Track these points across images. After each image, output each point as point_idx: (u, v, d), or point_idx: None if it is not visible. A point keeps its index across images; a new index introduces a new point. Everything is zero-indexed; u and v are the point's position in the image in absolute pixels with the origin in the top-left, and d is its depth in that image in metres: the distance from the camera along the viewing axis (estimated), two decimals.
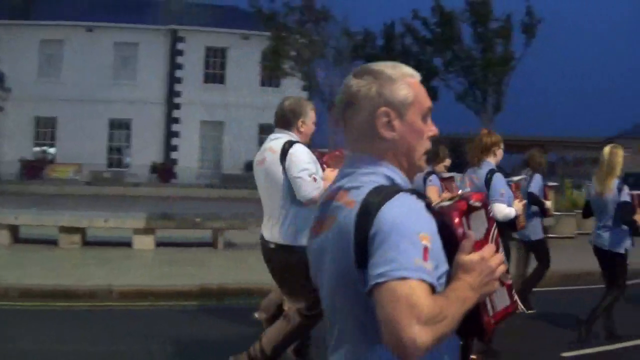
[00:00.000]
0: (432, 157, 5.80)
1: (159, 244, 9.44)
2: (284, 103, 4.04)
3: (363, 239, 1.26)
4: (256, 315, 4.86)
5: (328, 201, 1.42)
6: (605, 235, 5.42)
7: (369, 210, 1.27)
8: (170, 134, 31.31)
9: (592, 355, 5.12)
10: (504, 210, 4.67)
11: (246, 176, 30.27)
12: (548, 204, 6.48)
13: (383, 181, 1.36)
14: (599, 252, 5.51)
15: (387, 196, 1.28)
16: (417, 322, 1.17)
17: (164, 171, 29.93)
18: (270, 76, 26.70)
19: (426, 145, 1.45)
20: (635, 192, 5.45)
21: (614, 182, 5.38)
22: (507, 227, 4.85)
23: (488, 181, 4.81)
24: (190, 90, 30.91)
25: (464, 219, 1.39)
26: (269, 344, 3.87)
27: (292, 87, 29.30)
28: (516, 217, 4.87)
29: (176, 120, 31.24)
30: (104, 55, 30.03)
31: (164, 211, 10.84)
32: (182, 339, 5.30)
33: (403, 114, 1.40)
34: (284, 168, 3.74)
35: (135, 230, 9.37)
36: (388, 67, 1.43)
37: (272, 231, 3.86)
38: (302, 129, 3.96)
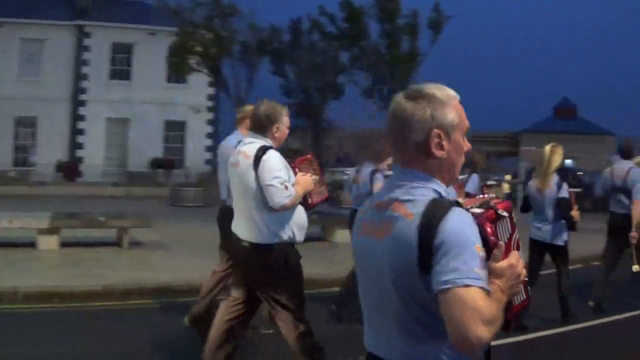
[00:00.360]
0: (377, 155, 6.24)
1: (64, 244, 9.37)
2: (259, 108, 4.06)
3: (427, 249, 1.45)
4: (185, 320, 5.24)
5: (382, 209, 1.61)
6: (546, 228, 5.93)
7: (431, 223, 1.46)
8: (75, 132, 30.44)
9: (517, 343, 5.28)
10: None
11: (152, 174, 29.95)
12: (576, 214, 5.97)
13: (433, 195, 1.56)
14: (539, 244, 6.01)
15: (445, 210, 1.47)
16: (481, 323, 1.39)
17: (69, 169, 29.07)
18: (177, 72, 26.46)
19: (462, 160, 1.67)
20: (572, 190, 6.04)
21: (554, 179, 5.89)
22: None
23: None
24: (96, 87, 30.15)
25: (493, 227, 1.56)
26: (297, 344, 3.86)
27: (198, 84, 29.25)
28: None
29: (81, 118, 30.37)
30: (10, 52, 28.89)
31: (68, 210, 10.71)
32: (87, 341, 5.34)
33: (450, 134, 1.60)
34: (256, 174, 3.79)
35: (39, 230, 9.27)
36: (437, 90, 1.62)
37: (247, 231, 3.89)
38: (276, 135, 4.01)
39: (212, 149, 29.62)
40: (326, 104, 24.89)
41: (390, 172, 5.97)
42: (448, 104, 1.61)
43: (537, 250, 6.09)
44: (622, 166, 6.84)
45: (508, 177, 37.05)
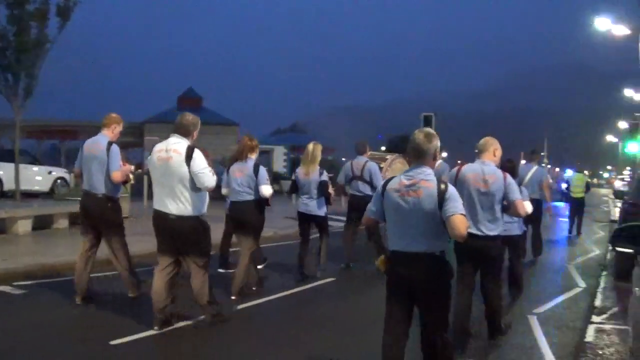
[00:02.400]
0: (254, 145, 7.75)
1: None
2: (186, 117, 5.96)
3: (442, 198, 3.88)
4: (77, 300, 6.79)
5: (412, 184, 3.98)
6: (312, 203, 8.51)
7: (443, 189, 3.91)
8: None
9: (143, 339, 5.64)
10: (269, 190, 7.41)
11: None
12: (332, 192, 8.91)
13: (433, 176, 4.02)
14: (305, 215, 8.60)
15: (445, 183, 3.97)
16: (466, 227, 3.90)
17: None
18: None
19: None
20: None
21: (317, 168, 8.47)
22: None
23: (256, 171, 7.40)
24: None
25: None
26: (203, 297, 5.97)
27: None
28: None
29: None
30: None
31: None
32: None
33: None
34: (188, 166, 5.66)
35: None
36: (431, 130, 4.16)
37: (175, 206, 5.72)
38: (195, 137, 5.98)
39: None
40: None
41: None
42: (437, 137, 4.20)
43: (305, 220, 8.66)
44: (359, 160, 9.77)
45: (132, 167, 38.79)
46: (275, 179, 40.41)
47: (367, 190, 9.55)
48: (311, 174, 8.47)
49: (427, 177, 3.98)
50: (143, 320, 6.17)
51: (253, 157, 7.61)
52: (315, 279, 8.77)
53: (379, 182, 8.88)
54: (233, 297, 7.32)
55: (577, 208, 16.86)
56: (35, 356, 5.26)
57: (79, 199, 7.16)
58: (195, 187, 5.75)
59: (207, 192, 5.95)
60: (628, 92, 39.67)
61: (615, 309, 7.57)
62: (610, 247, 4.73)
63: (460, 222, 3.80)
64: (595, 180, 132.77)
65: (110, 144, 6.87)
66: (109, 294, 7.43)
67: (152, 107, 57.30)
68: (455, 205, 3.87)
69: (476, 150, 5.85)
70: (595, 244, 14.81)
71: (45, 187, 20.77)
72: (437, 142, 4.13)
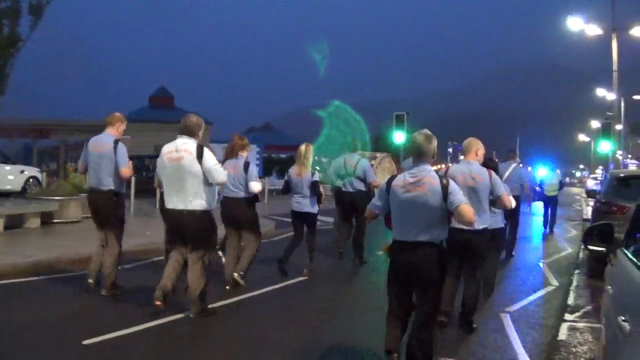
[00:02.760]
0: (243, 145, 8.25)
1: None
2: (190, 118, 6.46)
3: (445, 192, 4.45)
4: (90, 281, 7.36)
5: (417, 181, 4.52)
6: (304, 202, 8.97)
7: (446, 183, 4.50)
8: None
9: (112, 339, 5.59)
10: (258, 186, 7.92)
11: None
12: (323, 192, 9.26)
13: (434, 173, 4.58)
14: (298, 213, 9.06)
15: (447, 179, 4.58)
16: (473, 214, 4.55)
17: None
18: None
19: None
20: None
21: (309, 168, 8.94)
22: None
23: (246, 168, 7.86)
24: None
25: None
26: (196, 289, 6.36)
27: None
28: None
29: None
30: None
31: None
32: None
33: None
34: (200, 163, 6.21)
35: None
36: (430, 132, 4.75)
37: (186, 202, 6.25)
38: (200, 137, 6.45)
39: None
40: None
41: None
42: (435, 138, 4.76)
43: (298, 218, 9.14)
44: (352, 158, 10.34)
45: None
46: None
47: (360, 186, 10.15)
48: (303, 174, 8.95)
49: (429, 174, 4.57)
50: (128, 315, 6.37)
51: (244, 155, 8.11)
52: (300, 274, 9.12)
53: (372, 179, 10.06)
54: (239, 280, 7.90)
55: (551, 206, 17.26)
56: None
57: (55, 197, 7.49)
58: (206, 183, 6.31)
59: (217, 188, 6.59)
60: (600, 92, 40.36)
61: (588, 307, 7.68)
62: (583, 246, 4.78)
63: (467, 210, 4.49)
64: (567, 179, 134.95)
65: (116, 142, 7.40)
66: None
67: (123, 106, 56.81)
68: (459, 197, 4.51)
69: (452, 151, 6.27)
70: (568, 242, 15.02)
71: (17, 187, 20.60)
72: (435, 143, 4.70)
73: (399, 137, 23.48)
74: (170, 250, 6.85)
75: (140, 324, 6.09)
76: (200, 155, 6.23)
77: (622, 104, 45.75)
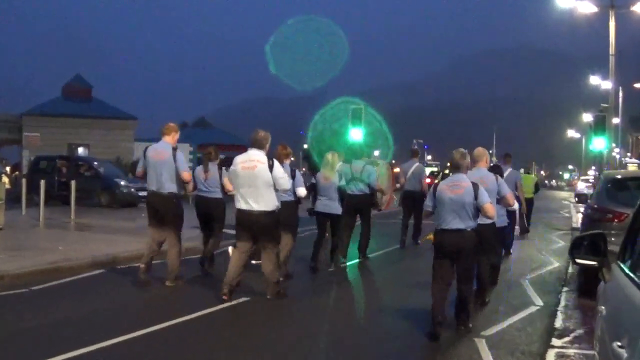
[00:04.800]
0: (213, 154, 10.98)
1: None
2: (259, 134, 8.92)
3: (475, 194, 7.32)
4: (141, 276, 9.71)
5: (455, 185, 7.44)
6: (331, 204, 11.52)
7: (476, 187, 7.40)
8: None
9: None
10: (303, 191, 10.38)
11: None
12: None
13: (467, 179, 7.57)
14: (324, 214, 11.61)
15: (477, 184, 7.49)
16: (494, 211, 7.70)
17: None
18: None
19: None
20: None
21: (336, 173, 11.50)
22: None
23: (293, 175, 10.06)
24: None
25: None
26: (272, 275, 8.96)
27: None
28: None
29: None
30: None
31: None
32: None
33: None
34: (271, 172, 8.62)
35: None
36: (464, 151, 7.86)
37: (259, 204, 8.66)
38: (267, 149, 8.97)
39: None
40: None
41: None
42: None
43: (324, 218, 11.72)
44: (357, 164, 12.84)
45: (8, 168, 37.19)
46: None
47: (365, 190, 12.68)
48: (331, 179, 11.50)
49: (464, 180, 7.56)
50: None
51: (287, 162, 10.40)
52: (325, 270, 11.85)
53: (374, 183, 12.74)
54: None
55: (528, 208, 18.60)
56: None
57: None
58: (274, 188, 8.74)
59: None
60: (594, 80, 40.80)
61: (578, 331, 7.77)
62: (570, 259, 4.76)
63: (490, 208, 7.56)
64: (553, 182, 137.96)
65: (174, 149, 9.67)
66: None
67: (33, 97, 55.77)
68: (485, 197, 7.49)
69: (455, 161, 7.92)
70: (554, 255, 15.22)
71: None
72: (468, 159, 7.84)
73: (356, 134, 23.55)
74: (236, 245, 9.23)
75: (204, 309, 8.34)
76: (271, 167, 8.69)
77: (620, 94, 46.43)
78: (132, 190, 26.48)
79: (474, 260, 7.75)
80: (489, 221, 8.14)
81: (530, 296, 10.01)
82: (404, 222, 15.78)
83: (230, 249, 10.34)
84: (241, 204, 8.75)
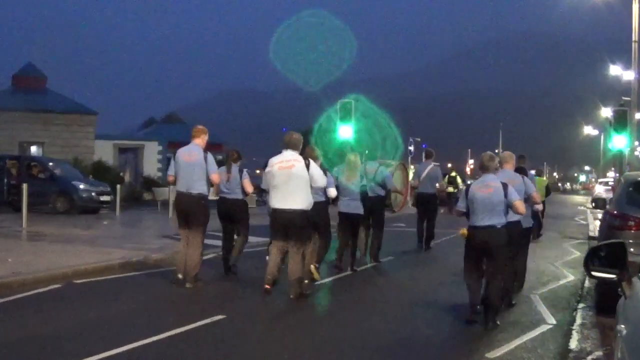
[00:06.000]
0: (236, 156, 12.47)
1: None
2: (293, 136, 10.47)
3: (505, 192, 8.86)
4: (179, 276, 11.11)
5: (485, 185, 9.00)
6: (354, 204, 13.22)
7: (505, 186, 8.95)
8: None
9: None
10: (334, 192, 12.04)
11: None
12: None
13: (497, 179, 9.15)
14: (348, 214, 13.30)
15: (506, 184, 9.06)
16: (524, 207, 9.33)
17: None
18: None
19: None
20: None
21: (358, 174, 13.30)
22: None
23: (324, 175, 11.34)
24: None
25: None
26: (296, 275, 10.19)
27: None
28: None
29: None
30: None
31: None
32: None
33: None
34: (308, 171, 10.09)
35: None
36: (492, 154, 9.62)
37: (293, 203, 10.04)
38: (300, 148, 10.50)
39: None
40: None
41: None
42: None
43: (346, 219, 13.40)
44: (371, 165, 14.50)
45: None
46: (146, 185, 39.65)
47: (379, 191, 14.40)
48: (353, 180, 13.16)
49: (494, 181, 9.04)
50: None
51: (317, 164, 11.27)
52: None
53: (392, 185, 14.62)
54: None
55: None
56: None
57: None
58: (310, 187, 10.24)
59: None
60: (614, 70, 40.64)
61: (596, 354, 7.80)
62: (585, 272, 4.77)
63: (521, 205, 9.08)
64: (568, 185, 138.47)
65: (205, 152, 11.12)
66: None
67: None
68: (515, 195, 9.00)
69: (482, 164, 9.47)
70: (568, 267, 15.27)
71: None
72: (496, 161, 9.57)
73: (345, 131, 23.55)
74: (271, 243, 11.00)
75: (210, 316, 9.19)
76: (307, 165, 10.21)
77: None
78: (93, 194, 26.42)
79: (505, 259, 9.08)
80: (516, 218, 9.57)
81: (542, 313, 10.03)
82: (419, 226, 17.61)
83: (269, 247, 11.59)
84: (276, 203, 10.24)
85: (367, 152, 16.27)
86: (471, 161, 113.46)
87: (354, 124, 23.63)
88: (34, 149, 37.12)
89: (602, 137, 74.33)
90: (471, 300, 9.09)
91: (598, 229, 14.39)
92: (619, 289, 4.39)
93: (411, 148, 71.69)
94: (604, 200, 14.97)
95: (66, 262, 12.38)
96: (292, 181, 10.10)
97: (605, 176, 69.81)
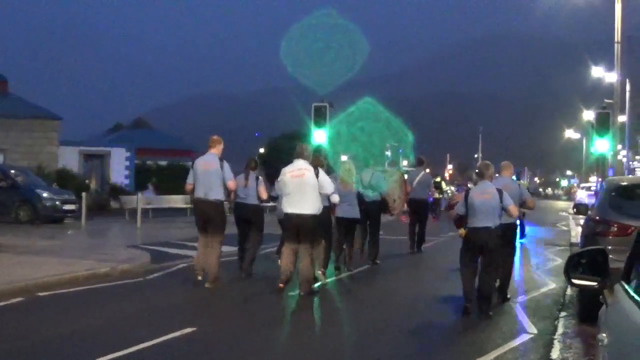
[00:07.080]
0: (254, 164, 14.05)
1: None
2: (305, 147, 12.16)
3: (500, 197, 10.43)
4: (199, 277, 12.38)
5: (484, 191, 10.53)
6: (351, 209, 14.41)
7: (500, 192, 10.51)
8: None
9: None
10: (337, 197, 12.77)
11: None
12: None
13: (493, 186, 10.79)
14: (345, 219, 14.46)
15: (501, 190, 10.60)
16: (517, 211, 11.24)
17: None
18: None
19: None
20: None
21: (353, 182, 14.45)
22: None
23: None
24: None
25: None
26: (307, 274, 11.64)
27: None
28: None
29: None
30: None
31: None
32: None
33: None
34: (317, 179, 11.56)
35: None
36: (488, 162, 11.32)
37: (307, 207, 11.55)
38: (310, 159, 12.00)
39: None
40: None
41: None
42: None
43: (344, 224, 14.51)
44: (366, 172, 15.67)
45: None
46: (113, 193, 39.33)
47: (375, 197, 15.75)
48: (349, 186, 14.42)
49: (490, 187, 10.48)
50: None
51: (324, 169, 12.60)
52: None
53: (385, 190, 15.98)
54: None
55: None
56: None
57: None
58: (319, 193, 11.67)
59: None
60: (596, 72, 40.91)
61: None
62: (565, 279, 4.78)
63: (514, 209, 10.62)
64: (549, 190, 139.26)
65: (221, 160, 12.38)
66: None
67: None
68: (509, 200, 10.44)
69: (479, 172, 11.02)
70: (550, 275, 15.34)
71: None
72: (492, 169, 10.91)
73: (319, 136, 23.55)
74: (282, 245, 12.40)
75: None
76: (316, 174, 11.59)
77: (628, 87, 46.73)
78: (57, 203, 26.22)
79: (497, 256, 10.57)
80: (510, 220, 11.23)
81: (523, 322, 10.08)
82: (410, 230, 19.16)
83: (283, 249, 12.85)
84: (288, 208, 11.72)
85: (371, 161, 17.12)
86: (449, 166, 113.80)
87: (327, 128, 23.58)
88: None
89: (584, 140, 74.84)
90: (465, 290, 10.57)
91: (580, 235, 14.48)
92: (601, 297, 4.41)
93: (388, 153, 71.74)
94: (586, 205, 15.07)
95: (29, 274, 12.28)
96: (303, 188, 11.55)
97: (587, 181, 70.25)
